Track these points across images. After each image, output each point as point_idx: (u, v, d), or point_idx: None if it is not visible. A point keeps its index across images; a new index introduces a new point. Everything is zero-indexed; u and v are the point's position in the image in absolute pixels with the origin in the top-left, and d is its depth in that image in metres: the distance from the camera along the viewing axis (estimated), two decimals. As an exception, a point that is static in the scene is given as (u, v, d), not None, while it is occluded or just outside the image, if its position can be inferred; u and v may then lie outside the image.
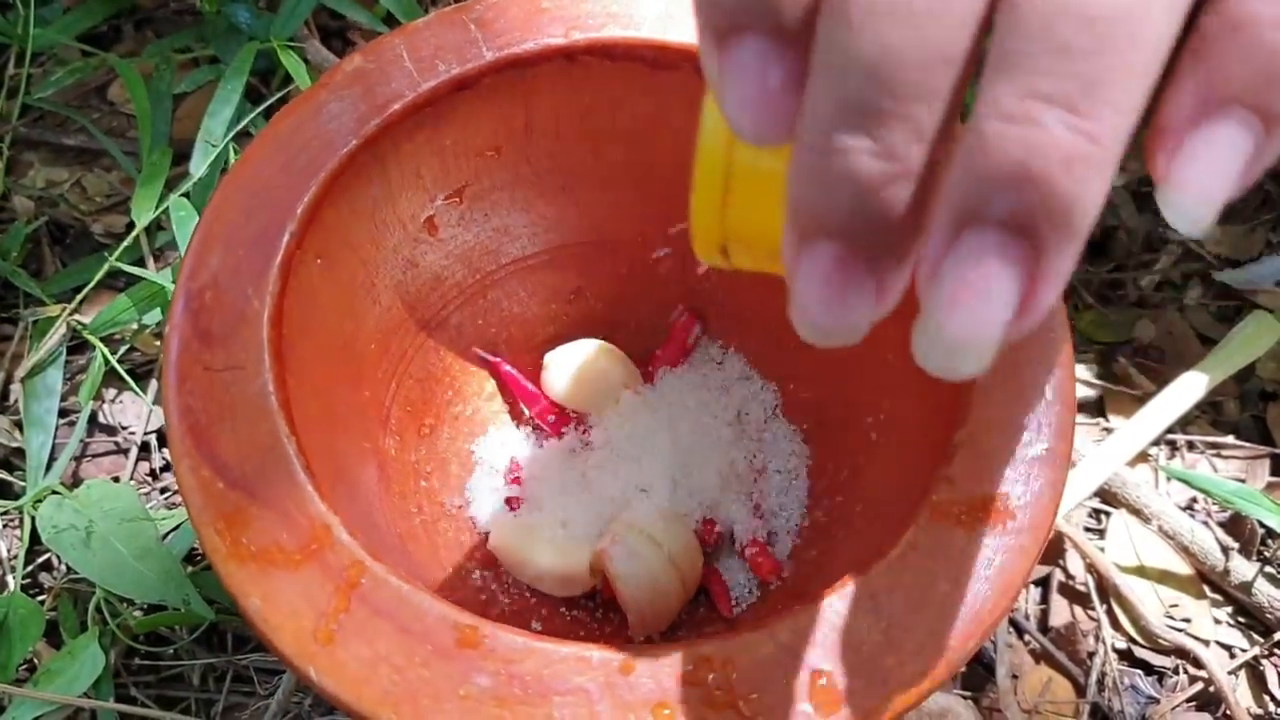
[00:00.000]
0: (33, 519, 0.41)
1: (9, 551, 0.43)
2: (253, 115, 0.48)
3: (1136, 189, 0.51)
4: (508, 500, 0.37)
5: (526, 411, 0.39)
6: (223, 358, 0.29)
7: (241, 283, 0.30)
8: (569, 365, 0.39)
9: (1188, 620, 0.42)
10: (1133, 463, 0.44)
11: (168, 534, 0.41)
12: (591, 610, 0.37)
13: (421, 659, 0.26)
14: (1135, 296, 0.49)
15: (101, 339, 0.45)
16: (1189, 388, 0.45)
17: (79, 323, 0.45)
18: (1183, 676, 0.40)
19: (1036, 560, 0.28)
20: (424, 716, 0.25)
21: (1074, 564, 0.43)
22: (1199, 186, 0.18)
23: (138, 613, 0.40)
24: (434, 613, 0.26)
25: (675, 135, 0.37)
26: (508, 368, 0.39)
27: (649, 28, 0.35)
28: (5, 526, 0.43)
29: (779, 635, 0.26)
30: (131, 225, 0.50)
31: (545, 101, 0.35)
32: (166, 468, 0.44)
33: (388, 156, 0.33)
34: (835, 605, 0.27)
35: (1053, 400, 0.29)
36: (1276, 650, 0.41)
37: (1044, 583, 0.43)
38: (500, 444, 0.38)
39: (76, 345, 0.47)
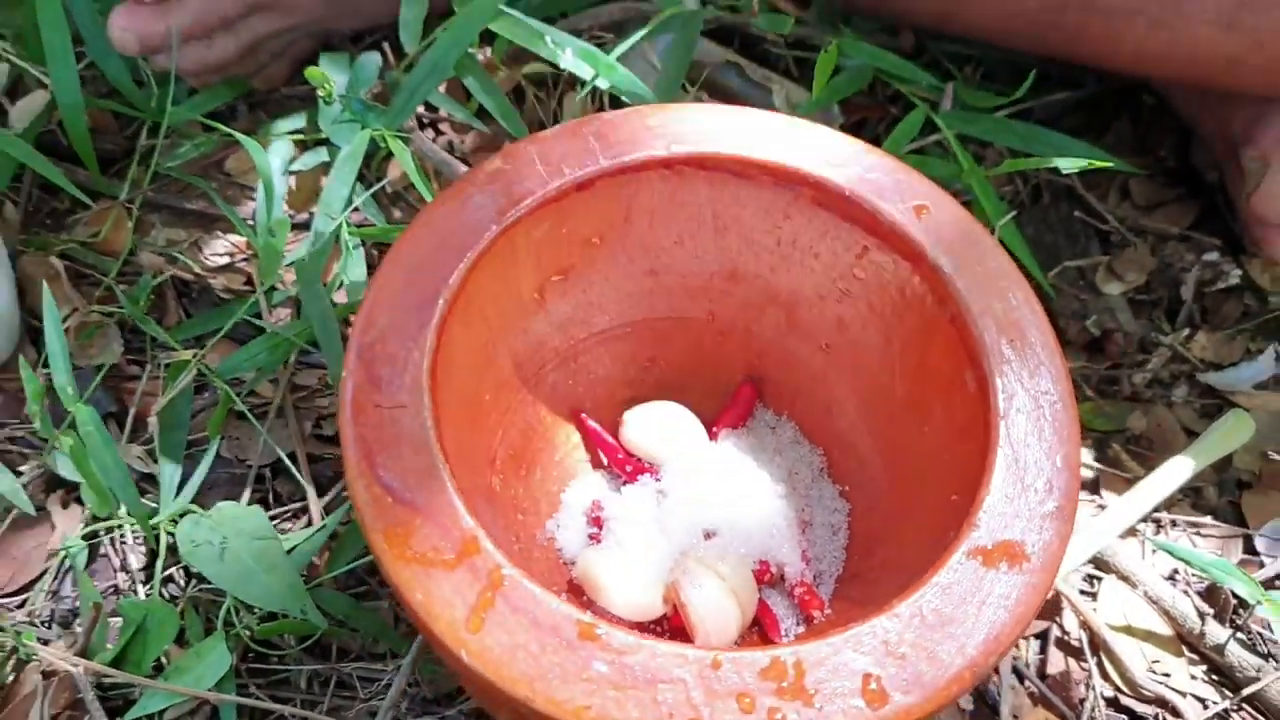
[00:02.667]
0: (169, 535, 0.47)
1: (138, 564, 0.49)
2: (364, 196, 0.55)
3: (1132, 297, 0.58)
4: (590, 536, 0.44)
5: (606, 460, 0.46)
6: (390, 398, 0.35)
7: (404, 338, 0.36)
8: (645, 423, 0.45)
9: (1168, 675, 0.48)
10: (1123, 536, 0.51)
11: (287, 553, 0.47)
12: (659, 635, 0.43)
13: (551, 648, 0.32)
14: (1129, 392, 0.55)
15: (225, 382, 0.51)
16: (1174, 473, 0.51)
17: (206, 367, 0.52)
18: (1162, 724, 0.46)
19: (1046, 596, 0.34)
20: (554, 693, 0.31)
21: (1070, 621, 0.49)
22: None
23: (255, 621, 0.46)
24: (560, 611, 0.32)
25: (748, 233, 0.44)
26: (592, 422, 0.46)
27: (732, 144, 0.42)
28: (134, 541, 0.49)
29: (837, 644, 0.33)
30: (249, 282, 0.57)
31: (644, 201, 0.42)
32: (279, 497, 0.51)
33: (519, 241, 0.40)
34: (883, 623, 0.33)
35: (1061, 468, 0.36)
36: (1244, 705, 0.47)
37: (1043, 636, 0.49)
38: (584, 487, 0.45)
39: (199, 386, 0.53)
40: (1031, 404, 0.37)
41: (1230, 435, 0.52)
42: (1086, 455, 0.53)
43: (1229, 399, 0.55)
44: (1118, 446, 0.54)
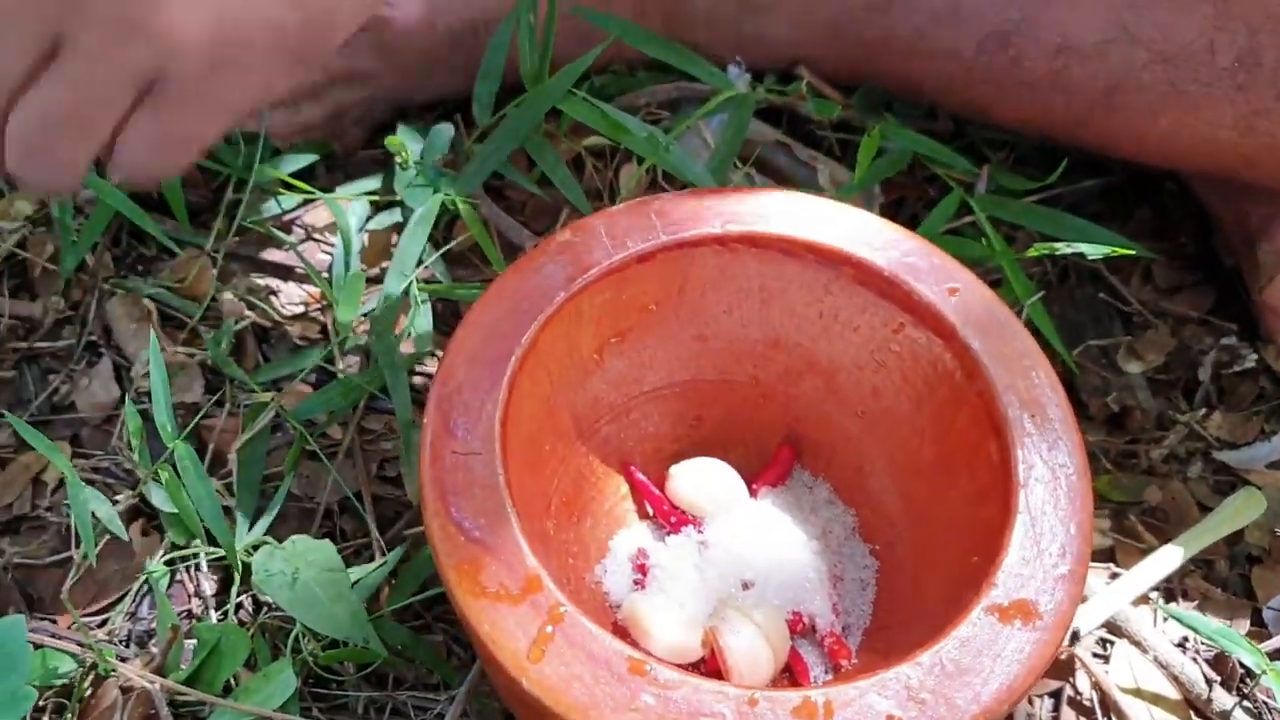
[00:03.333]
0: (244, 564, 0.51)
1: (210, 590, 0.52)
2: (434, 257, 0.60)
3: (1152, 376, 0.61)
4: (635, 582, 0.47)
5: (652, 511, 0.49)
6: (464, 445, 0.39)
7: (479, 391, 0.40)
8: (690, 478, 0.49)
9: (1176, 737, 0.50)
10: (1136, 603, 0.53)
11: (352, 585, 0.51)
12: (696, 675, 0.46)
13: (604, 680, 0.35)
14: (1146, 466, 0.58)
15: (300, 423, 0.55)
16: (1187, 545, 0.54)
17: (283, 408, 0.56)
18: (1169, 784, 0.49)
19: (1056, 651, 0.37)
20: (606, 720, 0.34)
21: (1083, 682, 0.52)
22: None
23: (320, 648, 0.49)
24: (613, 647, 0.36)
25: (792, 306, 0.47)
26: (640, 475, 0.49)
27: (782, 225, 0.46)
28: (208, 569, 0.53)
29: (864, 687, 0.36)
30: (323, 331, 0.61)
31: (699, 273, 0.46)
32: (344, 533, 0.54)
33: (584, 306, 0.44)
34: (906, 670, 0.36)
35: (1075, 535, 0.39)
36: (1248, 769, 0.50)
37: (1056, 695, 0.52)
38: (631, 535, 0.48)
39: (274, 426, 0.57)
40: (1049, 475, 0.40)
41: (1242, 511, 0.55)
42: (1104, 524, 0.56)
43: (1242, 477, 0.58)
44: (1134, 518, 0.57)
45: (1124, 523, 0.57)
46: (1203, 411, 0.60)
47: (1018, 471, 0.40)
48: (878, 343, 0.46)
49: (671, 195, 0.46)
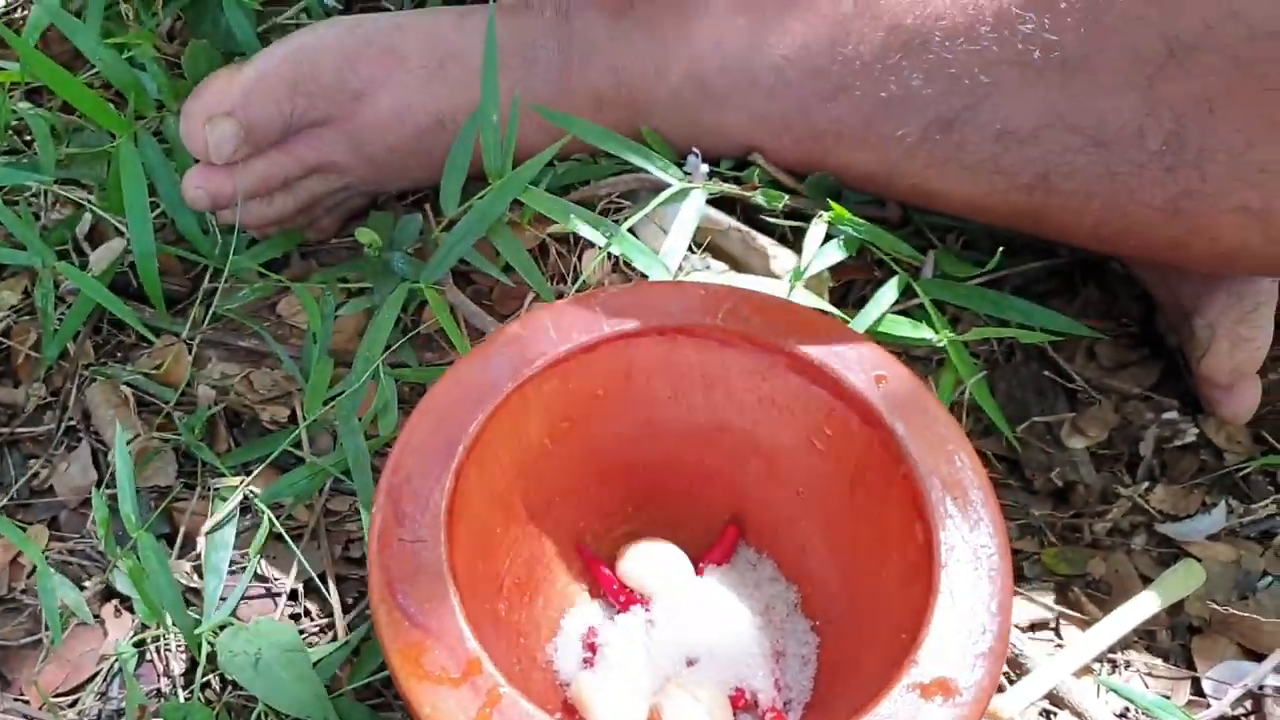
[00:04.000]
0: (210, 645, 0.53)
1: (179, 670, 0.54)
2: (401, 342, 0.62)
3: (1095, 451, 0.63)
4: (585, 660, 0.49)
5: (603, 590, 0.51)
6: (411, 532, 0.41)
7: (428, 480, 0.42)
8: (638, 559, 0.50)
9: (1117, 807, 0.52)
10: (1078, 674, 0.55)
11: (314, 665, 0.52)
12: (643, 750, 0.47)
13: (539, 758, 0.37)
14: (1090, 539, 0.60)
15: (268, 505, 0.57)
16: (1129, 617, 0.56)
17: (252, 491, 0.58)
18: None
19: (976, 727, 0.39)
20: (540, 797, 0.36)
21: (1028, 753, 0.53)
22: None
23: (282, 726, 0.51)
24: (549, 726, 0.37)
25: (733, 391, 0.50)
26: (591, 554, 0.51)
27: (718, 316, 0.48)
28: (177, 649, 0.55)
29: (790, 764, 0.37)
30: (293, 415, 0.63)
31: (643, 362, 0.48)
32: (309, 612, 0.56)
33: (531, 396, 0.46)
34: (831, 746, 0.38)
35: (995, 613, 0.41)
36: (1188, 838, 0.51)
37: (1002, 766, 0.53)
38: (581, 614, 0.50)
39: (243, 508, 0.59)
40: (970, 555, 0.42)
41: (1181, 583, 0.57)
42: (1048, 598, 0.58)
43: (1184, 549, 0.60)
44: (1078, 590, 0.58)
45: (1068, 595, 0.58)
46: (1145, 485, 0.62)
47: (939, 552, 0.42)
48: (812, 427, 0.48)
49: (616, 289, 0.48)
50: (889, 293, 0.60)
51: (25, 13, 0.80)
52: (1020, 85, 0.54)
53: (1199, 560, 0.58)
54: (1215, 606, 0.57)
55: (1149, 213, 0.54)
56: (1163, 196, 0.53)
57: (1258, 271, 0.58)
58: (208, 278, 0.67)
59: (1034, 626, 0.57)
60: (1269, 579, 0.59)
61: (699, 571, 0.51)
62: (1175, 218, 0.54)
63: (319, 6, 0.75)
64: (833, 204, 0.62)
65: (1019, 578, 0.59)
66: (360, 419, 0.59)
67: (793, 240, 0.68)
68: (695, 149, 0.67)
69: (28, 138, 0.74)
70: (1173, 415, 0.64)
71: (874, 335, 0.60)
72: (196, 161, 0.63)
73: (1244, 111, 0.49)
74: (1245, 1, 0.47)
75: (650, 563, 0.50)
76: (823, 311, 0.59)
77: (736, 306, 0.48)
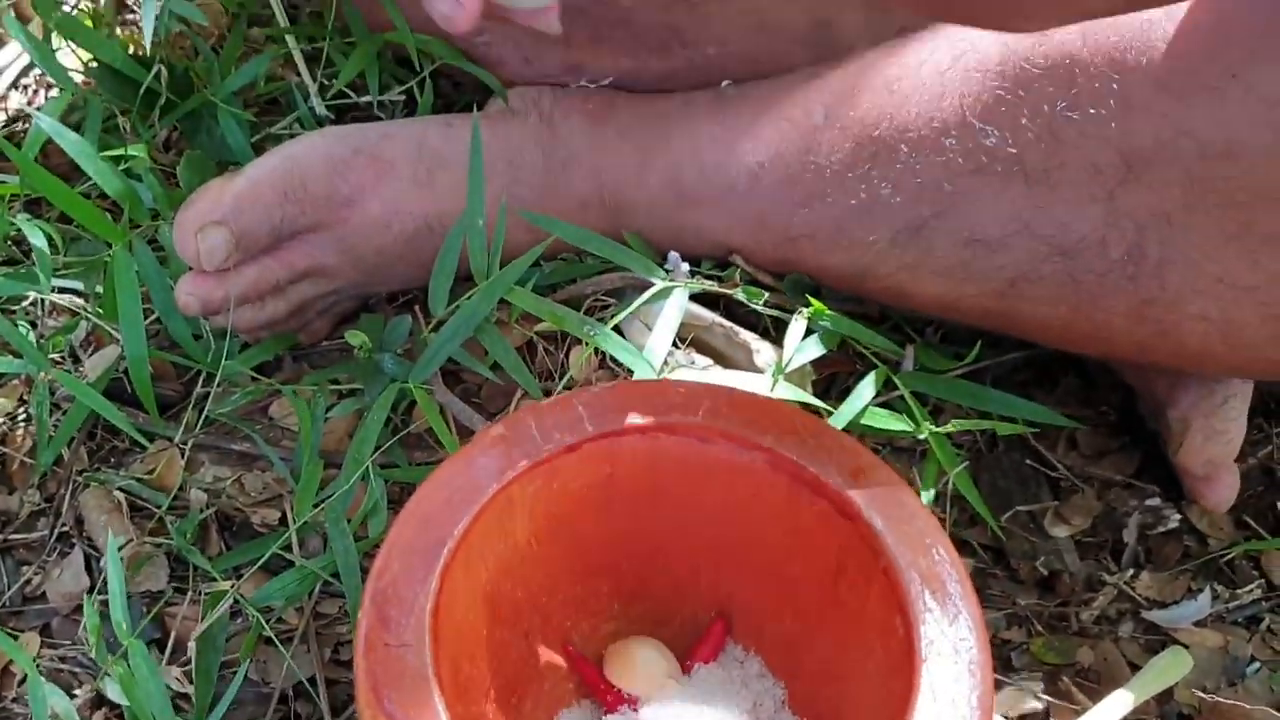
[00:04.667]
0: (199, 751, 0.53)
1: (169, 777, 0.54)
2: (390, 443, 0.63)
3: (1079, 539, 0.63)
4: (574, 759, 0.49)
5: (590, 691, 0.51)
6: (397, 637, 0.41)
7: (413, 584, 0.43)
8: (626, 657, 0.51)
9: None
10: (1070, 765, 0.55)
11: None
12: None
13: None
14: (1077, 628, 0.61)
15: (257, 609, 0.58)
16: (1118, 706, 0.56)
17: (241, 596, 0.58)
18: None
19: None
20: None
21: None
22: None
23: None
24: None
25: (716, 488, 0.50)
26: (578, 654, 0.51)
27: (698, 414, 0.49)
28: (167, 756, 0.55)
29: None
30: (283, 518, 0.64)
31: (625, 460, 0.49)
32: (299, 716, 0.56)
33: (515, 497, 0.47)
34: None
35: (975, 706, 0.41)
36: None
37: None
38: (571, 715, 0.50)
39: (234, 611, 0.59)
40: (950, 650, 0.42)
41: (1168, 671, 0.57)
42: (1037, 687, 0.58)
43: (1171, 635, 0.60)
44: (1067, 679, 0.58)
45: (1058, 685, 0.58)
46: (1130, 572, 0.62)
47: (920, 647, 0.42)
48: (794, 523, 0.48)
49: (598, 388, 0.50)
50: (868, 388, 0.61)
51: (27, 125, 0.82)
52: (986, 195, 0.55)
53: (1186, 647, 0.59)
54: (1204, 695, 0.57)
55: (1115, 319, 0.56)
56: (1126, 304, 0.55)
57: (1224, 374, 0.59)
58: (200, 382, 0.68)
59: (1025, 718, 0.57)
60: (1257, 665, 0.59)
61: (687, 669, 0.51)
62: (1140, 324, 0.55)
63: (311, 117, 0.77)
64: (812, 300, 0.63)
65: (1008, 668, 0.59)
66: (350, 520, 0.59)
67: (775, 334, 0.69)
68: (676, 250, 0.69)
69: (26, 247, 0.76)
70: (1155, 502, 0.65)
71: (857, 428, 0.61)
72: (190, 269, 0.64)
73: (1200, 225, 0.51)
74: (1195, 121, 0.49)
75: (637, 662, 0.50)
76: (804, 405, 0.60)
77: (716, 404, 0.49)
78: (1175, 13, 0.49)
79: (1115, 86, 0.50)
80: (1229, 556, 0.63)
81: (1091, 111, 0.51)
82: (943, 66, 0.57)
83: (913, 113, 0.57)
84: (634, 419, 0.48)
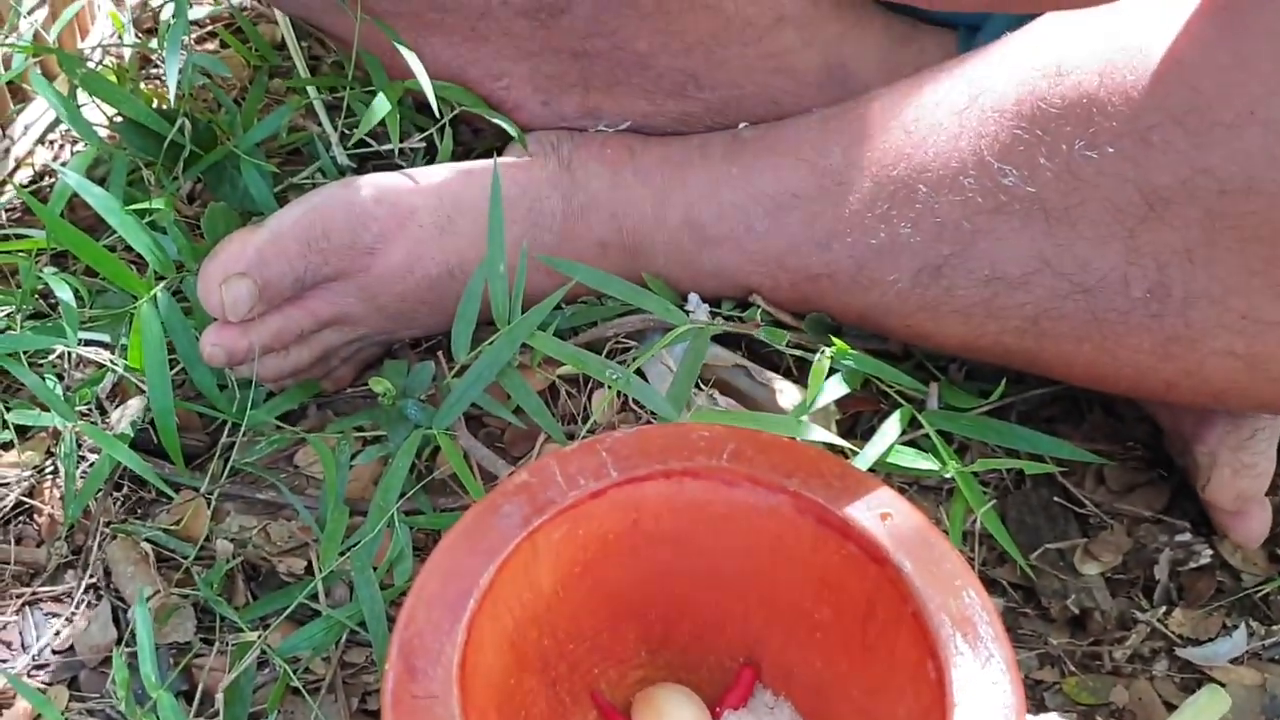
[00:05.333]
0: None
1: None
2: (415, 489, 0.63)
3: (1110, 576, 0.63)
4: (603, 809, 0.48)
5: (620, 737, 0.51)
6: (424, 688, 0.41)
7: (439, 635, 0.42)
8: (654, 704, 0.50)
9: None
10: (1108, 808, 0.54)
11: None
12: None
13: None
14: (1111, 667, 0.60)
15: (285, 659, 0.57)
16: (1155, 747, 0.55)
17: (268, 646, 0.58)
18: None
19: None
20: None
21: None
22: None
23: None
24: None
25: (741, 531, 0.50)
26: (606, 702, 0.51)
27: (723, 457, 0.49)
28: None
29: None
30: (308, 567, 0.64)
31: (651, 505, 0.49)
32: (327, 768, 0.56)
33: (541, 544, 0.47)
34: None
35: (1011, 751, 0.40)
36: None
37: None
38: (599, 763, 0.50)
39: (261, 662, 0.59)
40: (983, 693, 0.42)
41: (1206, 710, 0.56)
42: (1072, 729, 0.57)
43: (1207, 673, 0.59)
44: (1100, 719, 0.58)
45: (1093, 725, 0.58)
46: (1163, 609, 0.61)
47: (952, 691, 0.41)
48: (821, 567, 0.48)
49: (621, 433, 0.50)
50: (893, 427, 0.61)
51: (55, 179, 0.83)
52: (1006, 233, 0.55)
53: (1223, 685, 0.58)
54: (1242, 734, 0.56)
55: (1139, 356, 0.55)
56: (1150, 341, 0.54)
57: (1251, 409, 0.58)
58: (226, 432, 0.68)
59: (1060, 759, 0.57)
60: (1295, 702, 0.59)
61: (716, 715, 0.51)
62: (1165, 361, 0.55)
63: (333, 166, 0.77)
64: (834, 340, 0.63)
65: (1041, 709, 0.58)
66: (376, 568, 0.59)
67: (797, 374, 0.69)
68: (695, 290, 0.69)
69: (53, 300, 0.76)
70: (1186, 537, 0.64)
71: (883, 467, 0.61)
72: (215, 320, 0.65)
73: (1222, 261, 0.50)
74: (1214, 159, 0.48)
75: (666, 709, 0.50)
76: (829, 446, 0.60)
77: (740, 447, 0.49)
78: (1191, 52, 0.49)
79: (1133, 125, 0.50)
80: (1264, 592, 0.62)
81: (1110, 150, 0.51)
82: (959, 106, 0.57)
83: (930, 153, 0.58)
84: (657, 464, 0.48)
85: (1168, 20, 0.50)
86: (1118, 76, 0.51)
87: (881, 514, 0.47)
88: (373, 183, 0.68)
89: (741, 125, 0.70)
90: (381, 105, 0.70)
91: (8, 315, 0.72)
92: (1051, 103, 0.53)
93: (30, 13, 0.84)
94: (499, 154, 0.72)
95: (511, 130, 0.72)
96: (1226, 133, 0.48)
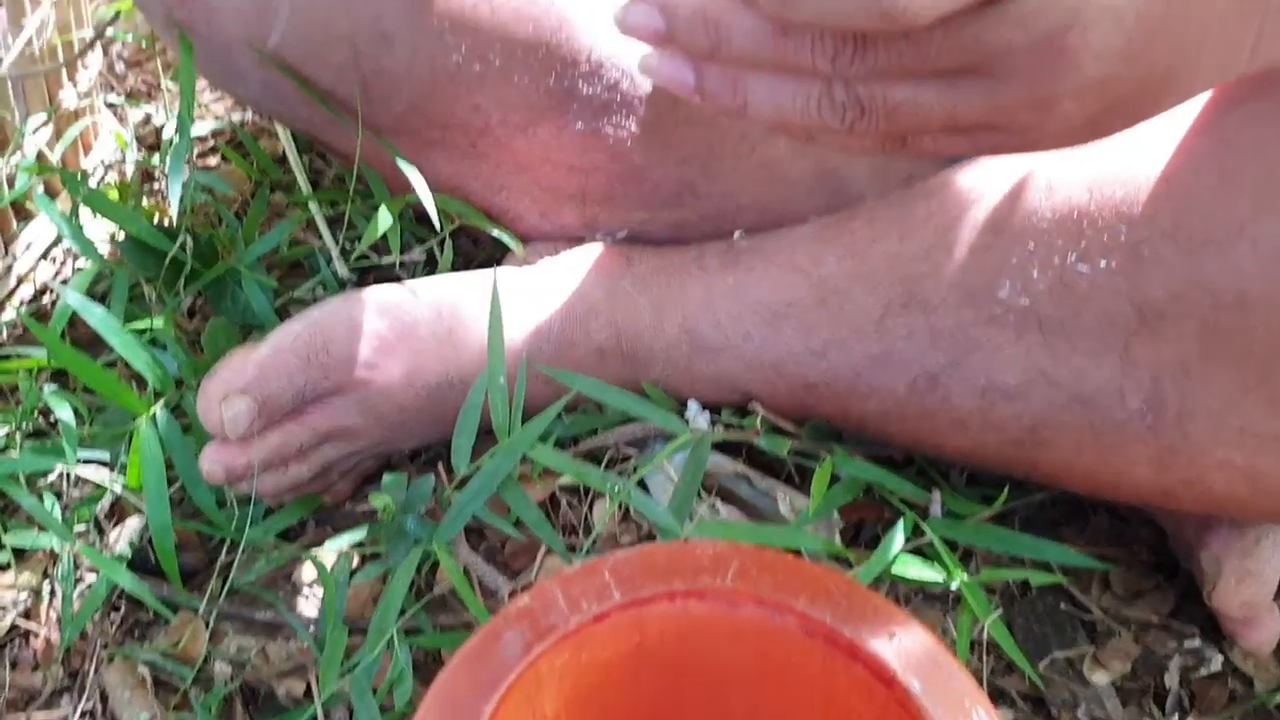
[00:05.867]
0: None
1: None
2: (415, 608, 0.62)
3: (1120, 685, 0.62)
4: None
5: None
6: (427, 825, 0.40)
7: (442, 768, 0.42)
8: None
9: None
10: None
11: None
12: None
13: None
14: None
15: (284, 787, 0.56)
16: None
17: (268, 774, 0.57)
18: None
19: None
20: None
21: None
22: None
23: None
24: None
25: (747, 651, 0.50)
26: (613, 829, 0.50)
27: (727, 576, 0.49)
28: None
29: None
30: (308, 689, 0.63)
31: (654, 627, 0.49)
32: None
33: (544, 671, 0.46)
34: None
35: None
36: None
37: None
38: None
39: (260, 790, 0.58)
40: (997, 820, 0.41)
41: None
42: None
43: (1226, 784, 0.58)
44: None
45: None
46: (1176, 718, 0.61)
47: (965, 818, 0.41)
48: (829, 689, 0.47)
49: (624, 554, 0.49)
50: (897, 537, 0.61)
51: (53, 297, 0.84)
52: (1001, 343, 0.56)
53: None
54: None
55: (1138, 467, 0.55)
56: (1148, 453, 0.54)
57: (1252, 519, 0.58)
58: (224, 550, 0.68)
59: None
60: (1315, 813, 0.57)
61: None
62: (1164, 472, 0.55)
63: (334, 280, 0.78)
64: (835, 447, 0.63)
65: (1056, 825, 0.57)
66: (376, 690, 0.59)
67: (799, 482, 0.69)
68: (694, 397, 0.69)
69: (54, 418, 0.76)
70: (1195, 643, 0.63)
71: (888, 577, 0.61)
72: (214, 437, 0.65)
73: (1218, 375, 0.51)
74: (1207, 273, 0.49)
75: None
76: (832, 554, 0.59)
77: (745, 565, 0.49)
78: (1179, 169, 0.50)
79: (1123, 239, 0.51)
80: (1278, 700, 0.62)
81: (1102, 264, 0.52)
82: (951, 219, 0.58)
83: (924, 264, 0.58)
84: (660, 584, 0.48)
85: (1155, 140, 0.51)
86: (1107, 191, 0.52)
87: (889, 633, 0.46)
88: (373, 297, 0.69)
89: (737, 234, 0.70)
90: (384, 219, 0.71)
91: (7, 434, 0.72)
92: (1043, 216, 0.54)
93: (35, 131, 0.85)
94: (499, 263, 0.73)
95: (510, 241, 0.73)
96: (1217, 249, 0.48)
